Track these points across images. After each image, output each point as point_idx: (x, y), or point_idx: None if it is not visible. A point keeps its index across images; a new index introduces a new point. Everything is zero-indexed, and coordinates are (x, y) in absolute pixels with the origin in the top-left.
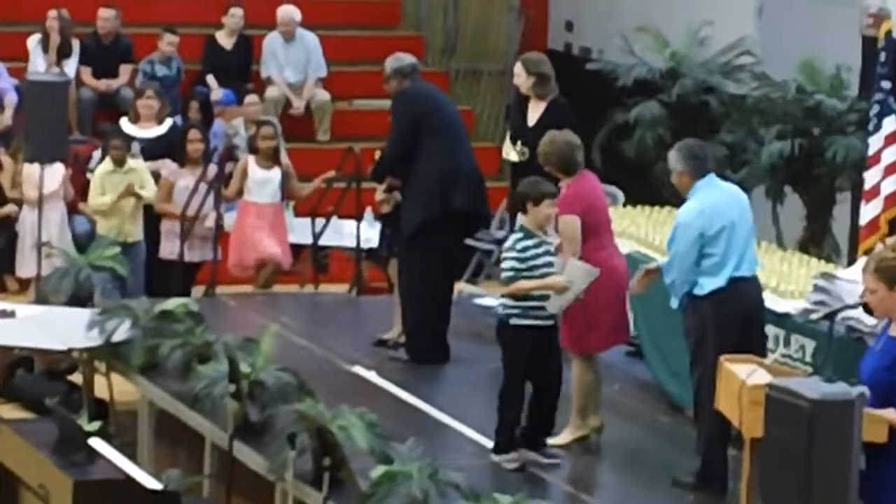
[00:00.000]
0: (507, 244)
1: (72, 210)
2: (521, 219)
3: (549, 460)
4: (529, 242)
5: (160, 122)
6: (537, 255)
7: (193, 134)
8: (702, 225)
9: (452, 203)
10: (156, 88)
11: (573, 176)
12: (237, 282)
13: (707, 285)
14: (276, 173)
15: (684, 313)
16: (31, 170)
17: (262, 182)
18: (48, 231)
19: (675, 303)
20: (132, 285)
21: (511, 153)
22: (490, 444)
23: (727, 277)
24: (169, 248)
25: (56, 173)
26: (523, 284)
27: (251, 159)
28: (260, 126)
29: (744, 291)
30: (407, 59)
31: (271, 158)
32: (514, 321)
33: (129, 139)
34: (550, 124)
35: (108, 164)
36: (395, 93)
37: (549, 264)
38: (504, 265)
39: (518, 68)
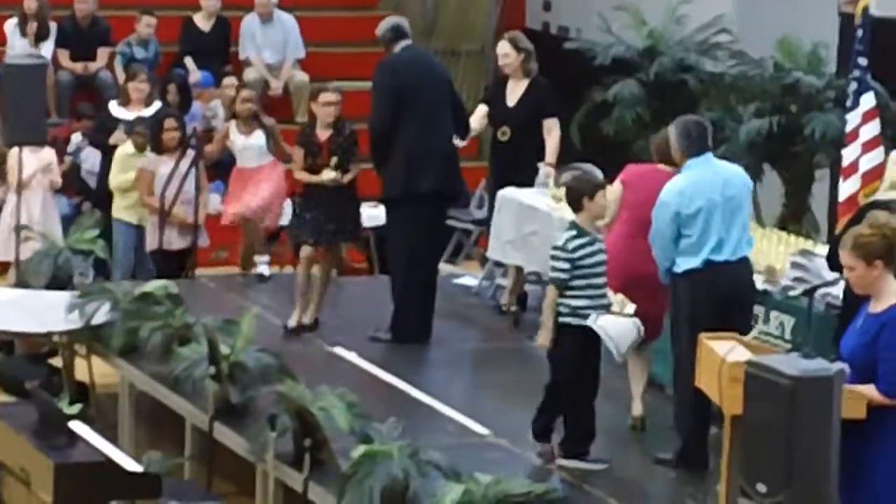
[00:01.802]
0: (558, 243)
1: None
2: (575, 216)
3: (595, 466)
4: (581, 241)
5: (148, 104)
6: (585, 256)
7: (169, 123)
8: (678, 204)
9: (418, 186)
10: (146, 71)
11: (662, 163)
12: (218, 265)
13: (683, 264)
14: (256, 138)
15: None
16: (14, 151)
17: (243, 149)
18: (29, 214)
19: (662, 276)
20: (141, 269)
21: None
22: (471, 423)
23: (703, 259)
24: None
25: (36, 157)
26: (544, 338)
27: (232, 125)
28: (239, 89)
29: (721, 274)
30: (388, 23)
31: (250, 123)
32: (562, 320)
33: (117, 121)
34: (533, 103)
35: (129, 147)
36: (379, 62)
37: (600, 264)
38: (553, 264)
39: (506, 47)
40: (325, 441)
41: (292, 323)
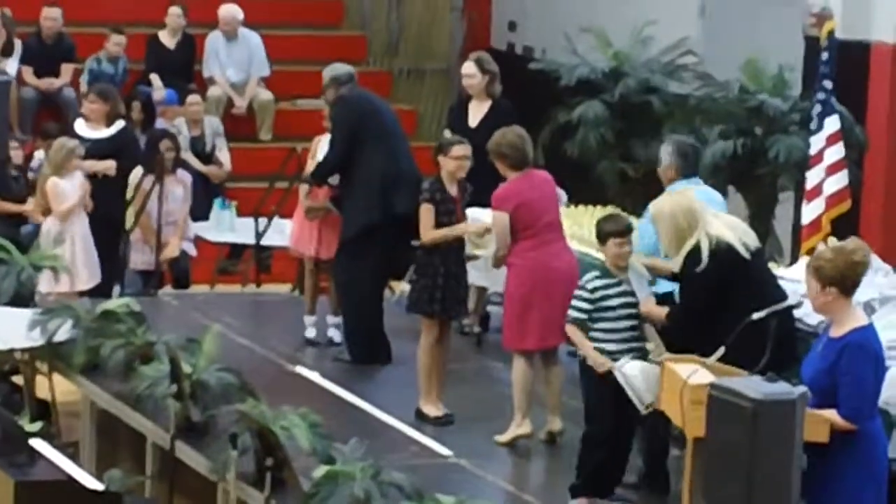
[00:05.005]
0: (581, 281)
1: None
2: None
3: None
4: (600, 283)
5: (109, 123)
6: (608, 297)
7: (166, 143)
8: None
9: (394, 207)
10: (100, 90)
11: (521, 171)
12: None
13: (664, 286)
14: None
15: None
16: (54, 182)
17: None
18: (72, 243)
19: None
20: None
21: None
22: (433, 443)
23: None
24: (140, 259)
25: (72, 184)
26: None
27: (325, 139)
28: None
29: None
30: (343, 68)
31: None
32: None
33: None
34: (495, 125)
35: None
36: (334, 100)
37: (627, 306)
38: (573, 303)
39: (471, 68)
40: (287, 460)
41: (436, 412)
